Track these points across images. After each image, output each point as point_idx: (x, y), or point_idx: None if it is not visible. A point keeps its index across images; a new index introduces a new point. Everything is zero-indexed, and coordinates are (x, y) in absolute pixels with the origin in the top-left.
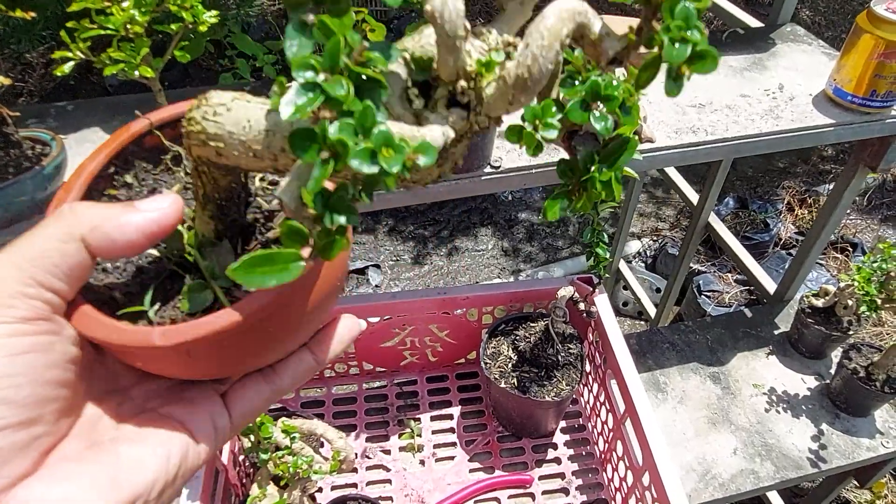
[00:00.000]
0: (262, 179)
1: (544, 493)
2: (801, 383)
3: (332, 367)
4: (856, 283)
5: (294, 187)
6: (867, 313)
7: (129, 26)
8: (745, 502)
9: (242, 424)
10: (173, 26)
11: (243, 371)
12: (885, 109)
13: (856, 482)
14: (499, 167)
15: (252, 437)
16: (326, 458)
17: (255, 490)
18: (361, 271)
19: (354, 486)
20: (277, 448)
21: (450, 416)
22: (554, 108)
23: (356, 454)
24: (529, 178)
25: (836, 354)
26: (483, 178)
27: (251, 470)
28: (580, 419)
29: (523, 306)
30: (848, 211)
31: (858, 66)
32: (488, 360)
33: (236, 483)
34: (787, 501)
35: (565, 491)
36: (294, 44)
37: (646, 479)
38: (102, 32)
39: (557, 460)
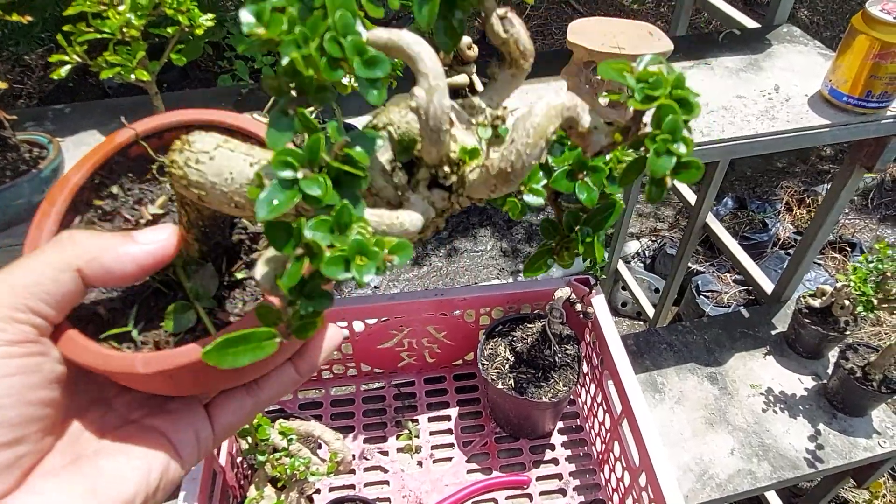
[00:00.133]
0: None
1: (542, 493)
2: (799, 383)
3: (330, 369)
4: (852, 284)
5: (270, 271)
6: (864, 313)
7: (125, 30)
8: (743, 503)
9: (225, 436)
10: (170, 30)
11: (226, 388)
12: (881, 110)
13: (853, 482)
14: None
15: (249, 439)
16: (324, 460)
17: (252, 492)
18: None
19: (352, 487)
20: (275, 450)
21: (447, 418)
22: (541, 174)
23: (354, 455)
24: None
25: (833, 354)
26: None
27: (249, 472)
28: (577, 420)
29: (520, 307)
30: (846, 210)
31: (854, 66)
32: (486, 362)
33: (234, 485)
34: (785, 501)
35: (563, 492)
36: (274, 131)
37: (643, 480)
38: (99, 36)
39: (555, 461)
